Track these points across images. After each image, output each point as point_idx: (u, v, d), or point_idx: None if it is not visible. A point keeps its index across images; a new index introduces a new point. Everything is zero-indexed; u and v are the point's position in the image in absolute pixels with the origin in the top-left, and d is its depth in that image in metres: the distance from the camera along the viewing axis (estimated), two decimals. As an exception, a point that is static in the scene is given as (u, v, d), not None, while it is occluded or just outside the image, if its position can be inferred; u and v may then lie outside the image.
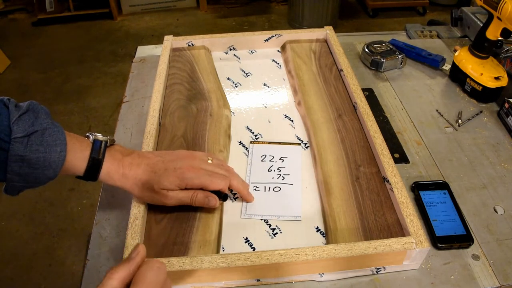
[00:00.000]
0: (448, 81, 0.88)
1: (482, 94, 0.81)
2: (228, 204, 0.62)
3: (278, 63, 0.91)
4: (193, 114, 0.75)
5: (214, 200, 0.55)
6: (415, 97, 0.84)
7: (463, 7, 1.06)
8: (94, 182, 0.54)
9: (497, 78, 0.79)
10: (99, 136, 0.53)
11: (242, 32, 1.03)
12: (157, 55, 0.93)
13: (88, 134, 0.53)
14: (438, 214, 0.59)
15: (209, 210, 0.58)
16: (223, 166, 0.59)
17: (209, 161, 0.58)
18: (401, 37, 1.07)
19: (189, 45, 0.92)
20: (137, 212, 0.55)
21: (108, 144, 0.53)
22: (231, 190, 0.64)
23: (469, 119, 0.78)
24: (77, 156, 0.50)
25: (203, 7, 3.20)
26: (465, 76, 0.83)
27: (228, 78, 0.86)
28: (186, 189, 0.54)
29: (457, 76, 0.86)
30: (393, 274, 0.54)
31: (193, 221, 0.57)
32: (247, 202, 0.61)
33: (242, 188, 0.59)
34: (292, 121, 0.76)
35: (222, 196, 0.57)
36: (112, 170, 0.53)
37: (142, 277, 0.36)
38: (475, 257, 0.56)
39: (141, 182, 0.53)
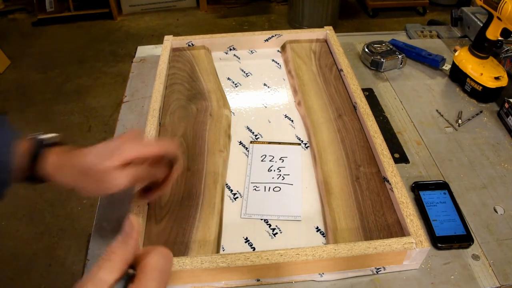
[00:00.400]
0: (448, 81, 0.88)
1: (482, 94, 0.81)
2: (228, 204, 0.62)
3: (278, 63, 0.91)
4: (193, 114, 0.74)
5: (159, 171, 0.52)
6: (415, 97, 0.84)
7: (463, 7, 1.06)
8: None
9: (497, 78, 0.79)
10: (47, 135, 0.53)
11: (242, 32, 1.03)
12: (157, 55, 0.93)
13: (36, 133, 0.53)
14: (438, 214, 0.59)
15: (209, 210, 0.58)
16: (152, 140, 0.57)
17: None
18: (401, 37, 1.07)
19: (189, 45, 0.92)
20: (137, 212, 0.55)
21: (52, 141, 0.52)
22: (231, 190, 0.64)
23: (469, 119, 0.78)
24: (20, 157, 0.49)
25: (203, 7, 3.20)
26: (465, 76, 0.83)
27: (228, 78, 0.86)
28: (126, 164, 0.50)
29: (457, 76, 0.86)
30: (393, 274, 0.54)
31: (193, 221, 0.57)
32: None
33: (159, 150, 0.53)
34: (292, 121, 0.76)
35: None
36: (55, 166, 0.51)
37: (153, 264, 0.31)
38: (475, 257, 0.56)
39: (83, 170, 0.50)
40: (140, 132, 0.55)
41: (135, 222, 0.33)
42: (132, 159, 0.50)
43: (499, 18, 0.74)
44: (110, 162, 0.49)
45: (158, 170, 0.53)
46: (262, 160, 0.68)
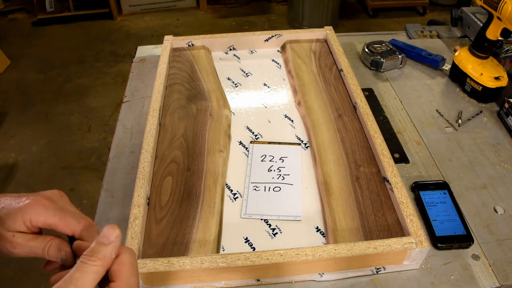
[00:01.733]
0: (448, 81, 0.88)
1: (482, 94, 0.81)
2: (228, 204, 0.62)
3: (278, 63, 0.91)
4: (193, 114, 0.75)
5: (69, 255, 0.39)
6: (415, 97, 0.84)
7: (463, 7, 1.06)
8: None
9: (497, 78, 0.79)
10: None
11: (242, 32, 1.03)
12: (157, 55, 0.93)
13: None
14: (438, 214, 0.59)
15: (209, 210, 0.58)
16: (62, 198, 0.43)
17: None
18: (401, 37, 1.07)
19: (189, 45, 0.92)
20: (137, 212, 0.55)
21: None
22: (231, 190, 0.64)
23: (469, 119, 0.78)
24: None
25: (203, 7, 3.20)
26: (465, 76, 0.83)
27: (228, 78, 0.86)
28: (38, 234, 0.40)
29: (457, 76, 0.85)
30: (393, 274, 0.54)
31: (193, 221, 0.57)
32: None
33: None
34: (292, 121, 0.76)
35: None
36: None
37: (129, 262, 0.33)
38: (475, 257, 0.56)
39: None
40: (61, 196, 0.43)
41: (116, 229, 0.33)
42: (43, 226, 0.40)
43: (499, 18, 0.74)
44: (15, 226, 0.39)
45: (68, 251, 0.40)
46: (262, 160, 0.68)
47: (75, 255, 0.39)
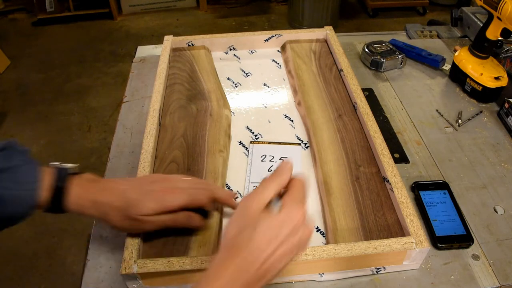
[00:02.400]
0: (448, 81, 0.88)
1: (482, 94, 0.81)
2: (228, 204, 0.62)
3: (278, 63, 0.91)
4: (193, 114, 0.75)
5: (197, 219, 0.52)
6: (415, 97, 0.84)
7: (463, 7, 1.06)
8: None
9: (497, 78, 0.79)
10: (65, 164, 0.50)
11: (242, 32, 1.03)
12: (157, 55, 0.93)
13: (54, 163, 0.50)
14: (438, 214, 0.59)
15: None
16: (200, 181, 0.56)
17: (185, 179, 0.54)
18: (401, 37, 1.07)
19: (189, 45, 0.92)
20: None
21: (74, 172, 0.50)
22: (231, 191, 0.64)
23: (469, 119, 0.78)
24: (42, 188, 0.47)
25: (203, 7, 3.20)
26: (465, 76, 0.83)
27: (228, 78, 0.86)
28: (166, 212, 0.50)
29: (457, 76, 0.86)
30: (393, 274, 0.54)
31: (193, 221, 0.57)
32: (233, 209, 0.57)
33: (228, 197, 0.56)
34: (292, 121, 0.76)
35: (206, 213, 0.53)
36: (80, 198, 0.49)
37: (297, 183, 0.44)
38: (475, 257, 0.56)
39: (117, 209, 0.49)
40: (177, 176, 0.55)
41: (289, 163, 0.45)
42: (174, 209, 0.50)
43: (499, 18, 0.74)
44: (150, 211, 0.49)
45: (197, 217, 0.53)
46: (262, 160, 0.68)
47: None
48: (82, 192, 0.49)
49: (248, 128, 0.75)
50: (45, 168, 0.49)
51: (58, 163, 0.50)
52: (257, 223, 0.39)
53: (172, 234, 0.55)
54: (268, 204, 0.41)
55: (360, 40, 1.02)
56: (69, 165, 0.51)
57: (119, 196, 0.49)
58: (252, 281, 0.37)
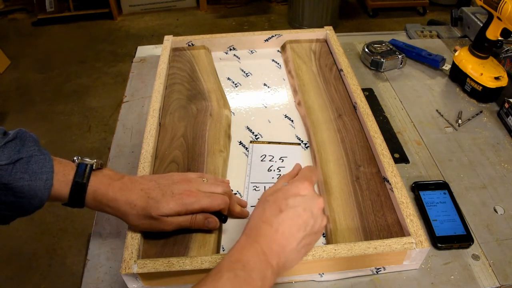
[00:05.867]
0: (448, 81, 0.88)
1: (482, 94, 0.81)
2: (228, 204, 0.62)
3: (278, 63, 0.91)
4: (193, 114, 0.74)
5: (214, 222, 0.53)
6: (415, 97, 0.84)
7: (463, 7, 1.06)
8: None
9: (497, 78, 0.79)
10: (86, 160, 0.50)
11: (242, 32, 1.03)
12: (157, 55, 0.93)
13: (74, 158, 0.50)
14: (438, 214, 0.59)
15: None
16: (219, 182, 0.56)
17: (204, 180, 0.54)
18: (401, 37, 1.07)
19: (189, 45, 0.92)
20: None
21: (95, 167, 0.50)
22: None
23: (469, 119, 0.78)
24: (60, 181, 0.47)
25: (203, 7, 3.20)
26: (465, 76, 0.83)
27: (228, 78, 0.86)
28: (185, 213, 0.52)
29: (457, 76, 0.86)
30: (393, 274, 0.54)
31: (193, 221, 0.57)
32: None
33: (237, 212, 0.58)
34: (292, 121, 0.76)
35: (223, 218, 0.54)
36: (100, 194, 0.49)
37: (300, 173, 0.51)
38: (475, 257, 0.56)
39: (137, 208, 0.49)
40: (197, 177, 0.54)
41: (299, 166, 0.54)
42: (194, 211, 0.51)
43: (499, 18, 0.74)
44: (171, 212, 0.50)
45: (213, 220, 0.53)
46: (262, 160, 0.68)
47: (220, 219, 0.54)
48: (102, 189, 0.49)
49: (248, 128, 0.75)
50: (64, 161, 0.49)
51: (79, 157, 0.50)
52: (266, 202, 0.45)
53: (172, 234, 0.55)
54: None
55: (360, 40, 1.02)
56: (90, 161, 0.50)
57: (140, 196, 0.49)
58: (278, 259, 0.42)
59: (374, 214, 0.57)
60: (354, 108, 0.75)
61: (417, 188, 0.63)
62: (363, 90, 0.81)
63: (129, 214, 0.49)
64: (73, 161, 0.50)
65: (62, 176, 0.47)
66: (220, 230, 0.57)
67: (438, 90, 0.86)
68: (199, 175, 0.55)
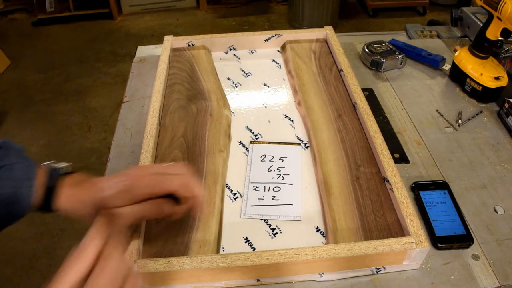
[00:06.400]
0: (448, 81, 0.88)
1: (482, 94, 0.81)
2: (228, 204, 0.62)
3: (278, 63, 0.91)
4: (193, 114, 0.75)
5: (167, 206, 0.48)
6: (415, 97, 0.84)
7: (463, 7, 1.05)
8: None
9: (497, 78, 0.79)
10: (59, 164, 0.50)
11: (242, 32, 1.03)
12: (157, 55, 0.93)
13: (47, 162, 0.50)
14: (438, 214, 0.59)
15: (209, 209, 0.58)
16: (178, 167, 0.51)
17: (160, 166, 0.51)
18: (401, 37, 1.07)
19: (189, 45, 0.92)
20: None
21: (65, 172, 0.49)
22: (231, 190, 0.64)
23: (469, 119, 0.78)
24: (37, 188, 0.47)
25: (203, 7, 3.20)
26: (465, 76, 0.83)
27: (228, 78, 0.86)
28: (135, 202, 0.48)
29: (457, 76, 0.85)
30: (393, 274, 0.54)
31: (193, 221, 0.57)
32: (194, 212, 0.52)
33: (191, 198, 0.50)
34: (292, 121, 0.76)
35: (177, 199, 0.49)
36: (68, 198, 0.48)
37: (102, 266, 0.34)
38: (475, 257, 0.56)
39: (96, 207, 0.47)
40: (156, 165, 0.52)
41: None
42: (141, 197, 0.48)
43: (499, 18, 0.74)
44: (119, 202, 0.47)
45: (167, 205, 0.49)
46: (262, 160, 0.68)
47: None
48: (70, 193, 0.48)
49: (248, 128, 0.75)
50: (38, 167, 0.49)
51: (51, 162, 0.50)
52: None
53: (172, 234, 0.55)
54: None
55: (360, 40, 1.02)
56: (62, 165, 0.50)
57: (97, 193, 0.48)
58: None
59: (374, 214, 0.57)
60: (354, 108, 0.75)
61: (417, 188, 0.63)
62: (363, 90, 0.81)
63: (90, 213, 0.47)
64: (47, 166, 0.49)
65: (38, 186, 0.47)
66: (220, 230, 0.57)
67: (438, 90, 0.86)
68: (161, 164, 0.53)
